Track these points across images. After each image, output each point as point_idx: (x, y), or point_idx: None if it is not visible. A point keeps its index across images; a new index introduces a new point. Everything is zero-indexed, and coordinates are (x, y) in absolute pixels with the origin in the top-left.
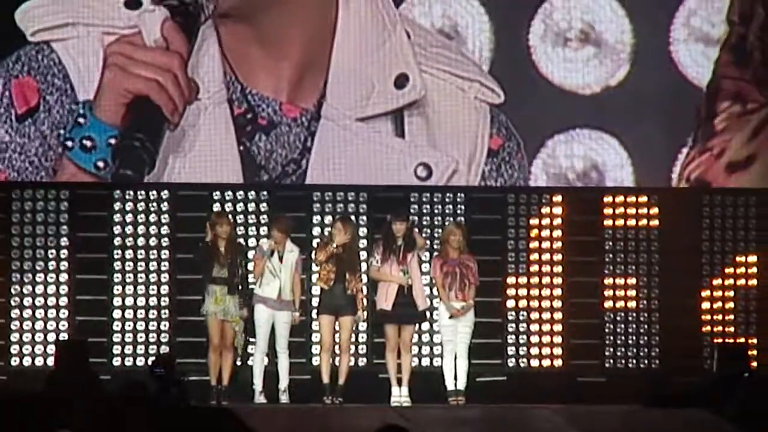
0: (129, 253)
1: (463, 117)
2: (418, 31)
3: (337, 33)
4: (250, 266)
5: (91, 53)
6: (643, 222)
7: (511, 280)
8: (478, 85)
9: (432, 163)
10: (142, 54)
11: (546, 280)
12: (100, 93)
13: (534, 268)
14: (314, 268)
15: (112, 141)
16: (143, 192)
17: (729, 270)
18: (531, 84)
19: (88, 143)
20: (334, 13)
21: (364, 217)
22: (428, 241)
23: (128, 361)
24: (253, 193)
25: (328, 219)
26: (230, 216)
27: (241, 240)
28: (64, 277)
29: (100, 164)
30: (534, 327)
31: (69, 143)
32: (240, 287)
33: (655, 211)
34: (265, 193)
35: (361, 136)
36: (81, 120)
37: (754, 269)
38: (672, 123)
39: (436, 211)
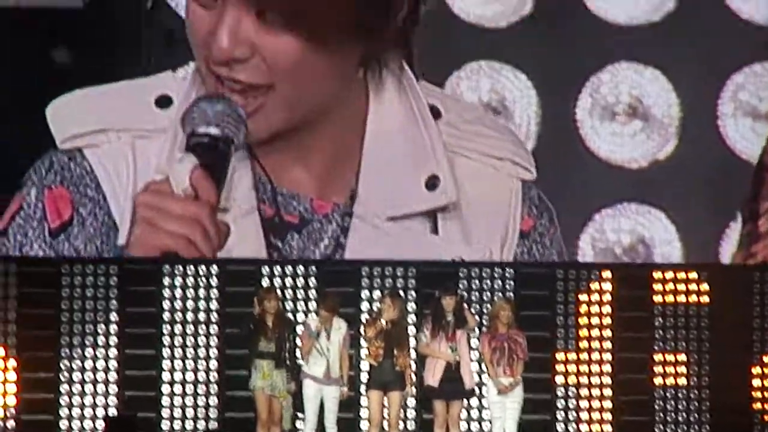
0: (178, 328)
1: (496, 199)
2: (450, 106)
3: (367, 127)
4: (298, 341)
5: (121, 159)
6: (693, 298)
7: (560, 355)
8: (509, 163)
9: (466, 256)
10: (170, 205)
11: (595, 355)
12: (130, 247)
13: (583, 343)
14: (363, 343)
15: None
16: (192, 267)
17: None
18: (578, 158)
19: None
20: (365, 106)
21: (413, 293)
22: (477, 317)
23: None
24: (301, 268)
25: (376, 294)
26: (278, 291)
27: (290, 315)
28: (113, 352)
29: None
30: (583, 403)
31: None
32: (287, 362)
33: (705, 287)
34: (313, 268)
35: (393, 235)
36: None
37: None
38: (720, 198)
39: (484, 286)
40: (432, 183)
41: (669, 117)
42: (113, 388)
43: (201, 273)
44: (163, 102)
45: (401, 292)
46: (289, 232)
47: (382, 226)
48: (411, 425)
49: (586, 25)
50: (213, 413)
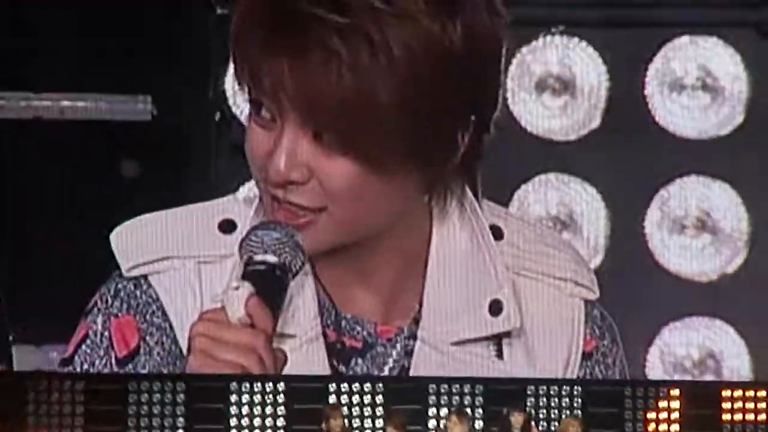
0: None
1: (559, 321)
2: (512, 225)
3: (431, 250)
4: None
5: (187, 286)
6: (763, 417)
7: None
8: (572, 283)
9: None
10: (226, 334)
11: None
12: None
13: None
14: None
15: None
16: (259, 384)
17: None
18: (647, 272)
19: None
20: (428, 229)
21: (480, 411)
22: None
23: None
24: (368, 385)
25: (443, 411)
26: (344, 409)
27: None
28: None
29: None
30: None
31: None
32: None
33: None
34: (380, 385)
35: (457, 360)
36: None
37: None
38: None
39: (552, 404)
40: (496, 308)
41: (738, 231)
42: None
43: (268, 390)
44: (227, 227)
45: (468, 410)
46: (353, 357)
47: (447, 351)
48: None
49: (655, 139)
50: None
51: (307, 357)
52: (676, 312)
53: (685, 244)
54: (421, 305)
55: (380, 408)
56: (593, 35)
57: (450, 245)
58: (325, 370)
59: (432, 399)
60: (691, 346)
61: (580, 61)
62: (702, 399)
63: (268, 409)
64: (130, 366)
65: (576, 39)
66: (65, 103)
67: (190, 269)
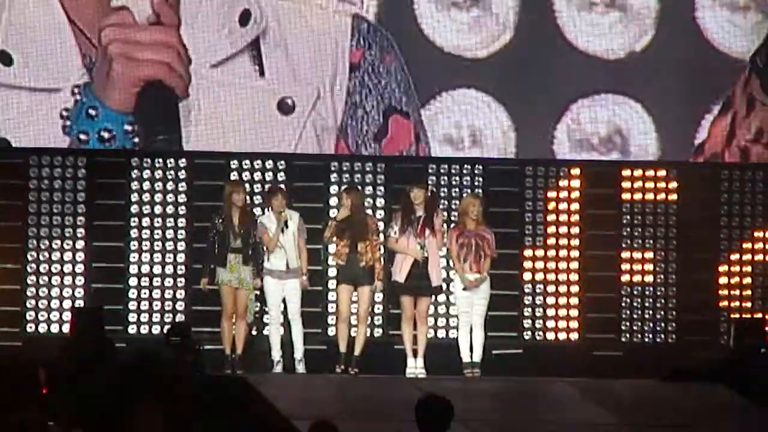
0: (146, 221)
1: (323, 37)
2: None
3: None
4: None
5: None
6: (662, 196)
7: (528, 252)
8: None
9: (294, 96)
10: (141, 35)
11: (563, 253)
12: (110, 84)
13: (551, 241)
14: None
15: (128, 128)
16: (160, 160)
17: (747, 245)
18: (556, 48)
19: (105, 134)
20: None
21: (382, 188)
22: (445, 213)
23: (144, 329)
24: (270, 162)
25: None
26: (246, 185)
27: (257, 210)
28: (80, 244)
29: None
30: (550, 300)
31: (83, 136)
32: (253, 256)
33: (673, 185)
34: (282, 162)
35: (220, 82)
36: (92, 112)
37: None
38: (696, 90)
39: (453, 182)
40: (244, 18)
41: (647, 8)
42: (80, 280)
43: (169, 165)
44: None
45: (367, 188)
46: None
47: (208, 75)
48: (378, 320)
49: None
50: (180, 306)
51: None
52: (584, 89)
53: (594, 21)
54: (180, 36)
55: (282, 185)
56: None
57: None
58: None
59: (334, 176)
60: (599, 122)
61: None
62: (602, 178)
63: (170, 185)
64: None
65: None
66: None
67: None
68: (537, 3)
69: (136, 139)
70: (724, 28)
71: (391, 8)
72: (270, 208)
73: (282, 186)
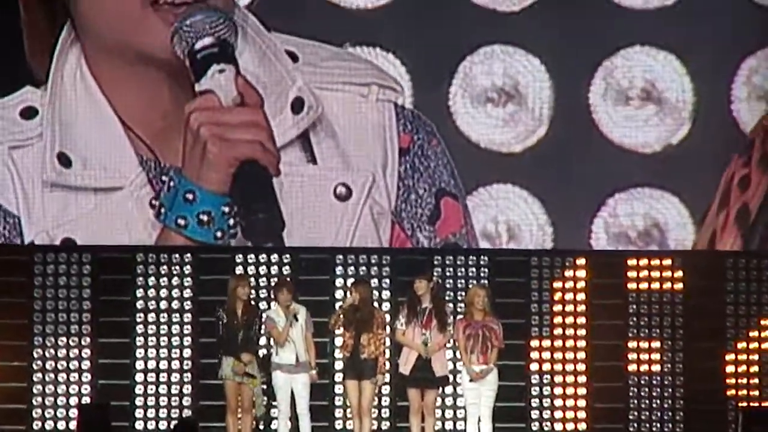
0: (152, 317)
1: (369, 123)
2: (304, 48)
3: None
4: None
5: (6, 170)
6: (668, 285)
7: (534, 343)
8: (375, 87)
9: (349, 181)
10: (229, 117)
11: (570, 343)
12: (206, 166)
13: (558, 331)
14: (337, 332)
15: (226, 209)
16: (165, 255)
17: (753, 333)
18: (591, 142)
19: (204, 218)
20: None
21: (387, 280)
22: (451, 305)
23: (151, 425)
24: (275, 256)
25: (350, 282)
26: (251, 278)
27: (262, 303)
28: (86, 340)
29: (219, 234)
30: (558, 390)
31: (181, 221)
32: (253, 349)
33: (679, 274)
34: (287, 256)
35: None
36: (189, 196)
37: None
38: None
39: (459, 273)
40: (298, 105)
41: (683, 101)
42: (87, 377)
43: (174, 261)
44: (29, 114)
45: (373, 280)
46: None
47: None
48: (386, 413)
49: (600, 9)
50: (187, 401)
51: (134, 206)
52: (620, 183)
53: (629, 114)
54: None
55: (288, 278)
56: None
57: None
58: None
59: (339, 270)
60: (635, 216)
61: None
62: (607, 268)
63: (175, 280)
64: None
65: None
66: None
67: (3, 154)
68: (572, 97)
69: (231, 221)
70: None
71: (425, 104)
72: (276, 302)
73: (288, 279)
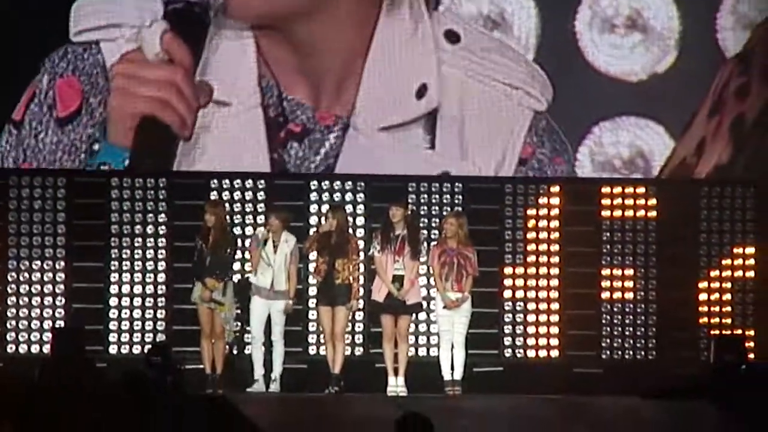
0: (126, 241)
1: (501, 124)
2: (470, 33)
3: (373, 43)
4: (246, 255)
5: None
6: (641, 213)
7: (508, 270)
8: (522, 92)
9: (456, 171)
10: (144, 71)
11: (543, 270)
12: (109, 118)
13: (531, 258)
14: (311, 257)
15: (127, 163)
16: (140, 180)
17: (726, 261)
18: (577, 70)
19: (104, 169)
20: (374, 24)
21: (362, 207)
22: (425, 232)
23: (125, 349)
24: (250, 181)
25: (325, 208)
26: (226, 204)
27: (237, 228)
28: (60, 264)
29: None
30: (531, 318)
31: (88, 169)
32: (223, 275)
33: (653, 202)
34: (262, 181)
35: (386, 146)
36: (95, 146)
37: (752, 261)
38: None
39: (433, 200)
40: (421, 92)
41: (668, 29)
42: (60, 300)
43: (149, 186)
44: None
45: (348, 206)
46: (290, 140)
47: (374, 137)
48: (359, 338)
49: None
50: (160, 326)
51: (245, 124)
52: (606, 111)
53: (615, 42)
54: (357, 94)
55: (262, 204)
56: None
57: (393, 35)
58: (263, 145)
59: (314, 196)
60: (621, 144)
61: None
62: (581, 195)
63: (149, 205)
64: (71, 126)
65: None
66: None
67: (135, 37)
68: (558, 25)
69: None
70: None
71: None
72: (267, 225)
73: (282, 206)
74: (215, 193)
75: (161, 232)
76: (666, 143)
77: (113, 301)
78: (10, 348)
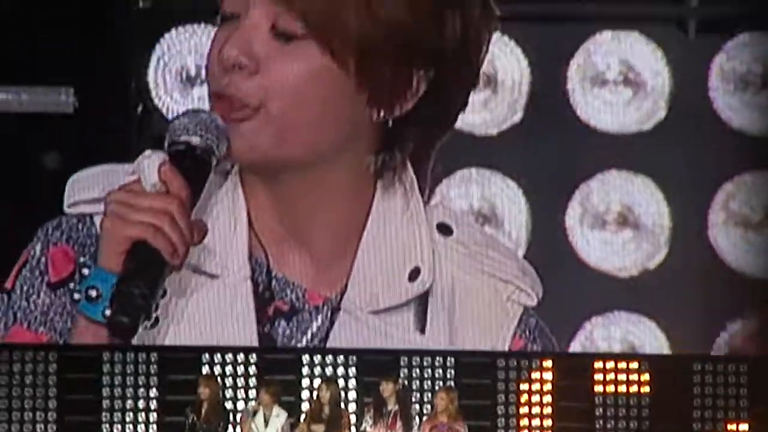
0: (117, 416)
1: (490, 317)
2: (462, 226)
3: (368, 224)
4: (231, 429)
5: None
6: (634, 388)
7: None
8: (512, 287)
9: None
10: (140, 199)
11: None
12: (100, 241)
13: None
14: None
15: (114, 288)
16: (132, 354)
17: None
18: (569, 267)
19: (93, 293)
20: (369, 203)
21: (353, 381)
22: (417, 407)
23: None
24: (242, 356)
25: (317, 382)
26: (218, 378)
27: (229, 402)
28: None
29: (108, 312)
30: None
31: (76, 296)
32: None
33: (646, 377)
34: (253, 355)
35: (376, 330)
36: (85, 271)
37: None
38: (709, 307)
39: (426, 375)
40: (414, 274)
41: (660, 226)
42: None
43: (140, 360)
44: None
45: (341, 381)
46: (278, 318)
47: (365, 320)
48: None
49: (576, 133)
50: None
51: (232, 299)
52: (597, 307)
53: (606, 239)
54: (349, 276)
55: (253, 379)
56: (515, 30)
57: (388, 217)
58: (250, 315)
59: (306, 370)
60: (613, 340)
61: (503, 55)
62: (574, 370)
63: (141, 380)
64: (61, 291)
65: (498, 33)
66: None
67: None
68: (548, 220)
69: None
70: (737, 245)
71: None
72: (258, 399)
73: (275, 380)
74: (207, 367)
75: (152, 407)
76: (658, 338)
77: None
78: None
